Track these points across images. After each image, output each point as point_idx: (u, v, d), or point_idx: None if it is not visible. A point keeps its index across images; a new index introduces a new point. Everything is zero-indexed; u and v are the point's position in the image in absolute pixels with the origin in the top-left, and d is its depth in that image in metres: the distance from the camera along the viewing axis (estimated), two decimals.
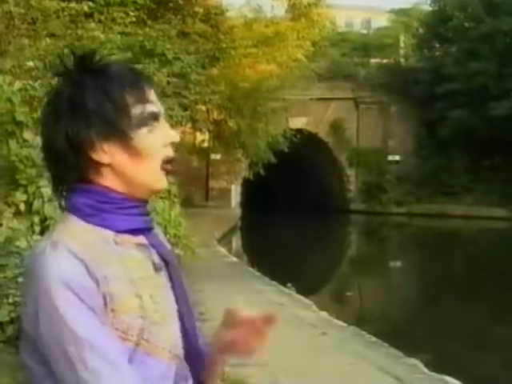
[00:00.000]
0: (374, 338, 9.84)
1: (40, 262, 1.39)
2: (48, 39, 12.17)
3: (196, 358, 1.60)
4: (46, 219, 8.25)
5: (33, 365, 1.43)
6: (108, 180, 1.50)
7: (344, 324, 10.72)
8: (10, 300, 6.48)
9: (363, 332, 10.26)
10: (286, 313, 10.57)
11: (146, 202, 1.56)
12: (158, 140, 1.50)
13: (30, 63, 11.66)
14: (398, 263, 27.20)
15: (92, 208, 1.49)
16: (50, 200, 8.24)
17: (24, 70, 11.31)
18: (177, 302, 1.56)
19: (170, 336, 1.51)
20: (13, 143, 8.47)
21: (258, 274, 15.47)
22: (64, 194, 1.52)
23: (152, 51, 16.46)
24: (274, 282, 14.18)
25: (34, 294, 1.39)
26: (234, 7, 28.17)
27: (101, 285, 1.40)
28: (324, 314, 11.35)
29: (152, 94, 1.52)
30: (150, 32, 16.72)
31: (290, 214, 37.50)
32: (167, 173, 1.52)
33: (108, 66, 1.52)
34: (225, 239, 24.27)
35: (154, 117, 1.50)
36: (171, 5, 20.57)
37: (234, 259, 18.02)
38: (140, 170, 1.49)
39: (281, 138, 29.35)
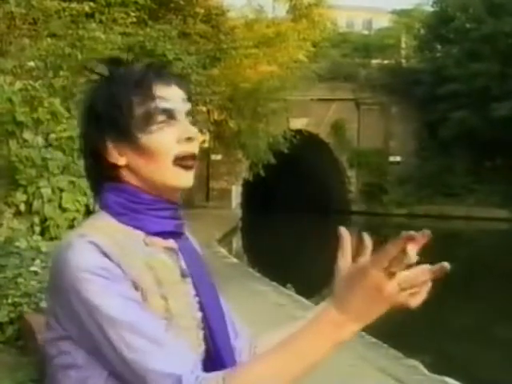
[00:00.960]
0: (373, 339, 9.82)
1: (65, 255, 1.39)
2: (49, 39, 12.18)
3: (227, 359, 1.56)
4: (45, 219, 8.27)
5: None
6: (133, 181, 1.51)
7: None
8: (10, 300, 6.47)
9: (363, 333, 10.23)
10: (287, 314, 10.56)
11: (176, 204, 1.55)
12: (170, 137, 1.49)
13: (31, 63, 11.68)
14: None
15: (123, 207, 1.49)
16: (49, 200, 8.27)
17: (25, 70, 11.32)
18: (202, 309, 1.54)
19: (192, 343, 1.49)
20: (13, 143, 8.49)
21: (258, 274, 15.45)
22: (99, 193, 1.54)
23: (153, 52, 16.46)
24: (274, 283, 14.16)
25: (61, 288, 1.38)
26: (235, 8, 28.25)
27: (133, 278, 1.40)
28: None
29: (167, 91, 1.51)
30: (150, 32, 16.73)
31: (291, 214, 37.48)
32: (185, 169, 1.51)
33: (119, 69, 1.54)
34: (225, 240, 24.25)
35: (167, 113, 1.49)
36: (172, 5, 20.60)
37: (235, 260, 18.01)
38: (153, 168, 1.49)
39: (281, 138, 29.38)
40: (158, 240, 1.50)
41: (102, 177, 1.52)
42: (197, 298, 1.54)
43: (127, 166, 1.50)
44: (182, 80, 1.58)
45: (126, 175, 1.51)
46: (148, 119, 1.48)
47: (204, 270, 1.60)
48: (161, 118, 1.49)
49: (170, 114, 1.50)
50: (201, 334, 1.52)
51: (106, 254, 1.38)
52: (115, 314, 1.34)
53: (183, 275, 1.52)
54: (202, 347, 1.52)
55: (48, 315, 1.46)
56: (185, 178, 1.51)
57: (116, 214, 1.49)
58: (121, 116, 1.48)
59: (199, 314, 1.53)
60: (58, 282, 1.39)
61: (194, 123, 1.56)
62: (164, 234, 1.52)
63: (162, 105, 1.49)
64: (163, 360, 1.33)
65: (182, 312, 1.48)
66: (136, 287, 1.40)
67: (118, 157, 1.49)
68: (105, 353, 1.36)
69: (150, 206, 1.50)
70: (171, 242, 1.53)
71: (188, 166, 1.50)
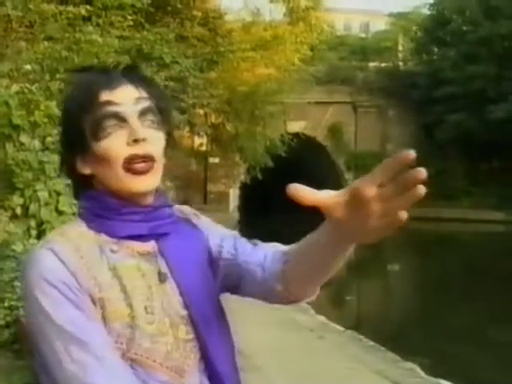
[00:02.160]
0: (371, 342, 9.84)
1: (27, 260, 1.43)
2: (46, 42, 12.15)
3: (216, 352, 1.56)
4: (42, 223, 8.25)
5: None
6: (102, 188, 1.51)
7: (341, 328, 10.72)
8: (6, 304, 6.46)
9: (360, 336, 10.25)
10: (284, 317, 10.56)
11: (150, 207, 1.52)
12: (117, 140, 1.46)
13: (28, 66, 11.65)
14: (396, 267, 27.15)
15: (92, 213, 1.50)
16: (46, 204, 8.25)
17: (21, 73, 11.30)
18: (186, 307, 1.52)
19: (165, 347, 1.47)
20: (9, 147, 8.47)
21: None
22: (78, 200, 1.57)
23: (150, 55, 16.47)
24: None
25: (24, 293, 1.42)
26: (233, 11, 28.23)
27: (90, 289, 1.40)
28: (321, 317, 11.35)
29: (116, 94, 1.49)
30: (147, 36, 16.72)
31: (288, 217, 37.42)
32: (135, 173, 1.47)
33: (77, 80, 1.56)
34: None
35: (116, 117, 1.47)
36: (169, 8, 20.59)
37: None
38: (108, 175, 1.48)
39: (279, 141, 29.37)
40: (133, 244, 1.49)
41: (77, 186, 1.55)
42: (180, 298, 1.52)
43: (93, 175, 1.51)
44: (142, 78, 1.56)
45: (96, 183, 1.51)
46: (97, 126, 1.46)
47: (195, 269, 1.56)
48: (110, 122, 1.46)
49: (119, 118, 1.47)
50: (176, 338, 1.50)
51: (63, 262, 1.39)
52: (63, 326, 1.36)
53: (161, 279, 1.51)
54: (181, 353, 1.50)
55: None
56: (135, 183, 1.47)
57: (87, 221, 1.50)
58: (73, 127, 1.48)
59: (184, 313, 1.51)
60: (23, 287, 1.42)
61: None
62: (140, 238, 1.51)
63: (110, 109, 1.47)
64: (103, 377, 1.34)
65: (153, 318, 1.46)
66: (92, 298, 1.40)
67: (82, 166, 1.51)
68: (50, 362, 1.37)
69: (117, 211, 1.49)
70: (151, 245, 1.52)
71: (137, 169, 1.46)
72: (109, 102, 1.47)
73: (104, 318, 1.40)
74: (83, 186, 1.53)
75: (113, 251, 1.46)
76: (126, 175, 1.46)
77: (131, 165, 1.46)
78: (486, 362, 11.82)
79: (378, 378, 7.64)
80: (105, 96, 1.48)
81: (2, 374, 5.86)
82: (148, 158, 1.47)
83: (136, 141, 1.46)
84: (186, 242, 1.59)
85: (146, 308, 1.45)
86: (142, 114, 1.49)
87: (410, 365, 8.58)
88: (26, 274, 1.40)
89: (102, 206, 1.49)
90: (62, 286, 1.38)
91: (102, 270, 1.43)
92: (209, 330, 1.54)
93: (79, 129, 1.48)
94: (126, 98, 1.49)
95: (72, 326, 1.36)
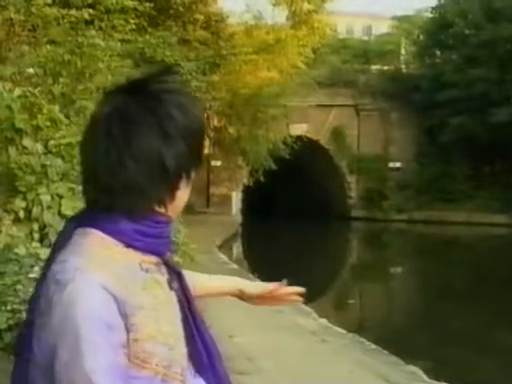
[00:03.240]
0: (373, 346, 9.83)
1: (70, 292, 1.36)
2: (48, 46, 12.17)
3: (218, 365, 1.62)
4: (45, 226, 8.24)
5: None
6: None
7: (343, 331, 10.71)
8: (9, 307, 6.46)
9: (363, 339, 10.24)
10: (286, 320, 10.56)
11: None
12: None
13: (30, 70, 11.67)
14: (399, 270, 27.16)
15: (143, 234, 1.48)
16: (49, 207, 8.25)
17: (24, 76, 11.31)
18: (182, 308, 1.56)
19: (182, 357, 1.50)
20: (12, 150, 8.47)
21: (257, 280, 15.45)
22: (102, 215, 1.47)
23: (152, 58, 16.48)
24: None
25: (57, 322, 1.36)
26: (235, 14, 28.30)
27: (128, 318, 1.40)
28: (324, 321, 11.33)
29: None
30: (150, 39, 16.73)
31: (291, 220, 37.47)
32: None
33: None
34: (225, 246, 24.25)
35: None
36: (172, 12, 20.62)
37: (235, 266, 18.00)
38: (180, 204, 1.55)
39: (281, 144, 29.38)
40: (151, 258, 1.51)
41: (149, 208, 1.48)
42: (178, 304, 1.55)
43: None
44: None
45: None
46: (202, 148, 1.56)
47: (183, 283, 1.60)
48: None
49: None
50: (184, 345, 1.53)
51: (113, 297, 1.38)
52: (93, 371, 1.34)
53: (171, 287, 1.53)
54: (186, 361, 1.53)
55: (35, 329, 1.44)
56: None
57: (130, 239, 1.46)
58: (196, 145, 1.52)
59: (179, 316, 1.54)
60: (57, 318, 1.37)
61: None
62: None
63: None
64: None
65: (173, 330, 1.48)
66: (135, 325, 1.40)
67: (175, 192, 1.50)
68: None
69: (166, 230, 1.52)
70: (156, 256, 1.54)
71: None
72: None
73: (137, 341, 1.40)
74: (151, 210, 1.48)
75: (143, 269, 1.47)
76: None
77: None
78: (490, 366, 11.81)
79: (380, 381, 7.63)
80: None
81: (4, 378, 5.85)
82: None
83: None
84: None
85: (168, 321, 1.48)
86: None
87: (412, 368, 8.57)
88: (69, 308, 1.35)
89: (157, 226, 1.50)
90: (108, 331, 1.36)
91: (138, 292, 1.43)
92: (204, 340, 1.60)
93: (200, 148, 1.52)
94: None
95: (102, 373, 1.35)
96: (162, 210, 1.49)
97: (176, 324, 1.51)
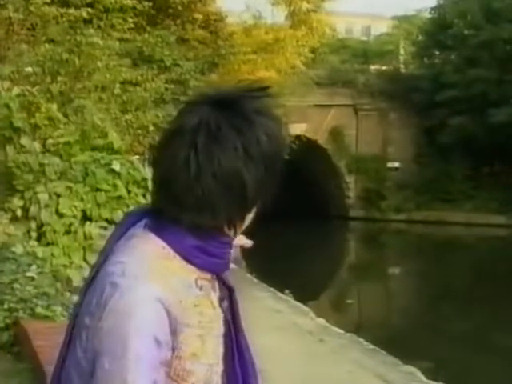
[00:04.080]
0: (371, 346, 9.82)
1: (128, 301, 1.34)
2: (47, 45, 12.18)
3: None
4: (42, 225, 8.25)
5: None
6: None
7: (341, 331, 10.70)
8: (6, 306, 6.46)
9: (361, 339, 10.24)
10: (284, 319, 10.55)
11: None
12: None
13: (29, 69, 11.68)
14: (397, 270, 27.17)
15: (202, 251, 1.45)
16: (46, 206, 8.26)
17: (23, 75, 11.32)
18: (227, 325, 1.54)
19: (218, 376, 1.49)
20: (10, 149, 8.48)
21: (256, 280, 15.46)
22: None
23: (151, 57, 16.48)
24: (271, 289, 14.17)
25: (108, 328, 1.34)
26: (234, 14, 28.22)
27: (177, 335, 1.38)
28: (321, 320, 11.32)
29: None
30: (148, 38, 16.72)
31: (289, 220, 37.46)
32: None
33: None
34: None
35: None
36: (171, 11, 20.61)
37: (233, 266, 17.99)
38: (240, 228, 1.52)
39: None
40: (208, 274, 1.49)
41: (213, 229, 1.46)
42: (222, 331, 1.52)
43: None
44: None
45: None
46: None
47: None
48: None
49: None
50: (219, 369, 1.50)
51: (167, 311, 1.36)
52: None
53: (220, 304, 1.51)
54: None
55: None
56: None
57: (189, 256, 1.43)
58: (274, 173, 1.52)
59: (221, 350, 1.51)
60: (109, 324, 1.34)
61: None
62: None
63: None
64: None
65: (215, 350, 1.47)
66: (180, 342, 1.38)
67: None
68: None
69: (229, 251, 1.51)
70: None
71: None
72: None
73: (179, 358, 1.39)
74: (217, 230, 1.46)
75: (198, 286, 1.45)
76: None
77: None
78: (488, 367, 11.81)
79: (377, 381, 7.63)
80: None
81: (1, 377, 5.85)
82: None
83: None
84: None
85: (213, 339, 1.46)
86: None
87: (410, 368, 8.57)
88: (125, 318, 1.33)
89: (229, 249, 1.50)
90: (158, 348, 1.34)
91: (188, 310, 1.41)
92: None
93: (278, 175, 1.52)
94: None
95: None
96: (231, 231, 1.47)
97: (219, 343, 1.48)
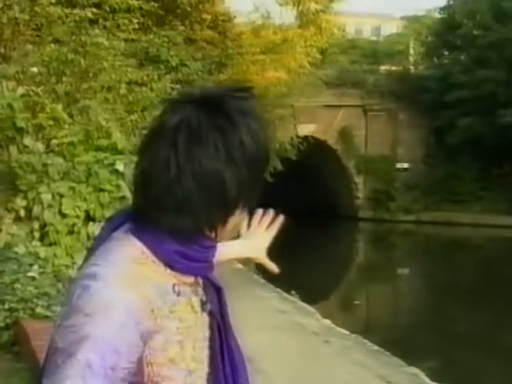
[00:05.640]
0: (376, 347, 9.79)
1: (94, 305, 1.31)
2: (52, 45, 12.19)
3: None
4: (45, 225, 8.26)
5: None
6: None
7: (346, 332, 10.68)
8: (6, 306, 6.47)
9: (365, 340, 10.21)
10: (289, 320, 10.54)
11: None
12: None
13: (34, 69, 11.70)
14: (406, 271, 27.10)
15: (184, 257, 1.41)
16: (49, 206, 8.26)
17: (28, 75, 11.34)
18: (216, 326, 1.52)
19: (202, 381, 1.47)
20: (13, 149, 8.50)
21: (262, 281, 15.44)
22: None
23: (157, 57, 16.48)
24: (278, 290, 14.15)
25: (70, 328, 1.31)
26: (242, 14, 28.24)
27: (147, 342, 1.35)
28: (327, 321, 11.30)
29: None
30: (153, 38, 16.73)
31: (298, 220, 37.43)
32: None
33: None
34: None
35: None
36: (179, 11, 20.62)
37: (239, 266, 17.97)
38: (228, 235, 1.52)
39: (289, 145, 29.32)
40: (190, 278, 1.46)
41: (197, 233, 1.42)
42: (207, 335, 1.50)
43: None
44: None
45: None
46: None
47: (224, 307, 1.57)
48: None
49: None
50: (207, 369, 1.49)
51: (135, 322, 1.32)
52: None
53: (203, 309, 1.49)
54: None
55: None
56: None
57: (171, 261, 1.40)
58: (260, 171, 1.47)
59: (208, 334, 1.50)
60: (72, 323, 1.31)
61: None
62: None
63: None
64: None
65: (195, 355, 1.44)
66: (151, 348, 1.35)
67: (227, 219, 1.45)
68: None
69: (211, 255, 1.46)
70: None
71: None
72: None
73: (152, 365, 1.36)
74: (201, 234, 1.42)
75: (175, 292, 1.41)
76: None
77: None
78: (495, 369, 11.76)
79: (381, 382, 7.60)
80: None
81: (1, 376, 5.85)
82: None
83: None
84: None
85: (193, 344, 1.43)
86: None
87: (414, 370, 8.54)
88: (88, 323, 1.30)
89: (212, 253, 1.46)
90: (113, 355, 1.30)
91: (163, 315, 1.38)
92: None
93: (262, 177, 1.47)
94: None
95: None
96: (212, 234, 1.43)
97: (201, 347, 1.46)
